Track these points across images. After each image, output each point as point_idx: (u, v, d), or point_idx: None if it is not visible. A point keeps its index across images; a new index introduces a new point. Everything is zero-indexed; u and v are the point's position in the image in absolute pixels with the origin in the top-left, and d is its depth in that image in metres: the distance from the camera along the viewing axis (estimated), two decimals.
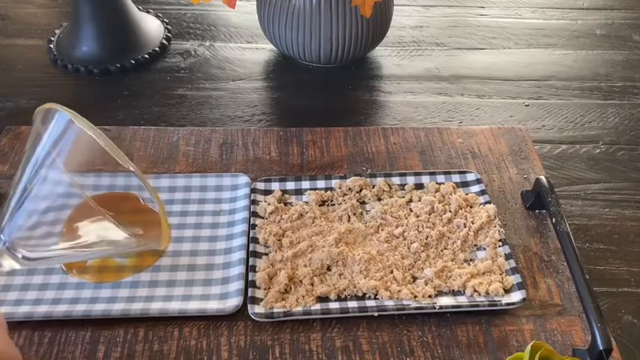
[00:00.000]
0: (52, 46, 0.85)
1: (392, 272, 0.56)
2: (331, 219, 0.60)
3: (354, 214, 0.61)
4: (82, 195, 0.40)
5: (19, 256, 0.40)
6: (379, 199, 0.63)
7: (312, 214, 0.60)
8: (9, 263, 0.40)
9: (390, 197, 0.63)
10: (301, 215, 0.60)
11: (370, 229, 0.59)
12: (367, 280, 0.54)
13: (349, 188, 0.63)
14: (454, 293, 0.55)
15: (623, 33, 0.92)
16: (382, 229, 0.59)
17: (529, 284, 0.56)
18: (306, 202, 0.62)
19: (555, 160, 0.71)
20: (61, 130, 0.43)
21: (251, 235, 0.58)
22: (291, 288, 0.54)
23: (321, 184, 0.64)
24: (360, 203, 0.62)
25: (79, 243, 0.41)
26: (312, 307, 0.53)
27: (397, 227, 0.59)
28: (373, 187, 0.63)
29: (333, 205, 0.62)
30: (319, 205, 0.62)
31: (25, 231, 0.40)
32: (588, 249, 0.61)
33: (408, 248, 0.58)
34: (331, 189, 0.63)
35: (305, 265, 0.56)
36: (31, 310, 0.52)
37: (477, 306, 0.53)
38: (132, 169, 0.42)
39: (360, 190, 0.63)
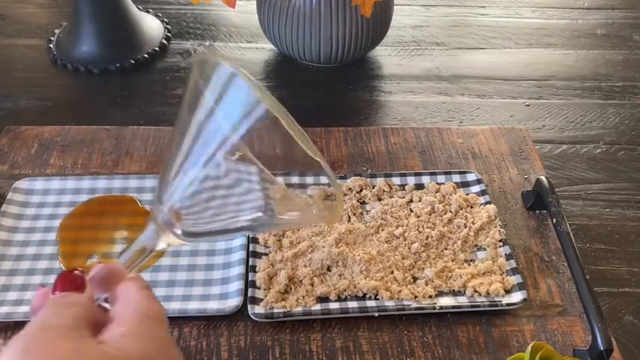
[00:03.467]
0: (52, 46, 0.85)
1: (392, 272, 0.55)
2: None
3: (354, 215, 0.61)
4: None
5: (179, 231, 0.36)
6: (379, 200, 0.62)
7: None
8: (167, 240, 0.36)
9: (391, 197, 0.62)
10: None
11: (370, 229, 0.59)
12: (367, 281, 0.54)
13: (349, 188, 0.63)
14: (454, 293, 0.54)
15: (624, 33, 0.92)
16: (382, 230, 0.59)
17: (529, 284, 0.56)
18: None
19: (556, 160, 0.70)
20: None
21: (251, 236, 0.58)
22: (291, 288, 0.54)
23: None
24: (361, 203, 0.62)
25: (242, 212, 0.36)
26: (312, 308, 0.53)
27: (397, 227, 0.59)
28: (373, 187, 0.63)
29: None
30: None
31: (186, 201, 0.35)
32: (589, 249, 0.61)
33: (409, 248, 0.57)
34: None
35: (305, 266, 0.56)
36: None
37: (478, 306, 0.53)
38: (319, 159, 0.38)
39: (361, 190, 0.63)
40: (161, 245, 0.37)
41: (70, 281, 0.33)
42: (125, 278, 0.35)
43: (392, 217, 0.60)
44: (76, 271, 0.33)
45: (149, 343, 0.31)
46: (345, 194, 0.63)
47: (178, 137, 0.36)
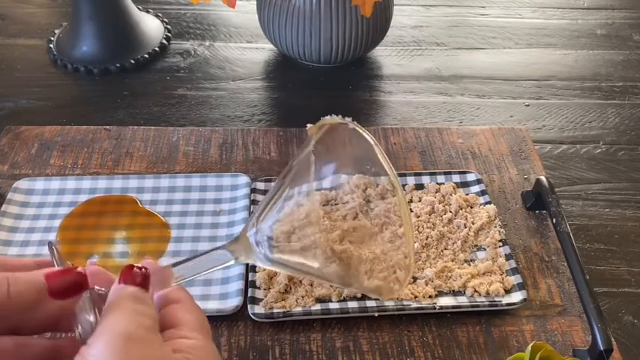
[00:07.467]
0: (52, 46, 0.85)
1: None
2: (334, 218, 0.60)
3: (361, 212, 0.60)
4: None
5: (261, 252, 0.40)
6: (383, 199, 0.62)
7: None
8: (247, 257, 0.41)
9: (394, 197, 0.62)
10: None
11: (374, 227, 0.59)
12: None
13: (356, 185, 0.63)
14: (454, 293, 0.54)
15: (624, 33, 0.92)
16: (386, 229, 0.59)
17: (529, 284, 0.56)
18: None
19: (556, 161, 0.70)
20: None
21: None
22: (290, 288, 0.54)
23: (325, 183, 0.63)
24: (366, 202, 0.62)
25: (306, 263, 0.42)
26: (312, 308, 0.53)
27: (400, 227, 0.59)
28: (377, 186, 0.63)
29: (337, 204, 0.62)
30: (323, 205, 0.62)
31: (273, 231, 0.41)
32: (589, 249, 0.61)
33: None
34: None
35: None
36: None
37: (478, 306, 0.53)
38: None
39: (366, 189, 0.63)
40: (239, 261, 0.41)
41: (139, 278, 0.33)
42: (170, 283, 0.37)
43: (395, 215, 0.60)
44: (137, 269, 0.33)
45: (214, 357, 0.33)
46: (353, 191, 0.62)
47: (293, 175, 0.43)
